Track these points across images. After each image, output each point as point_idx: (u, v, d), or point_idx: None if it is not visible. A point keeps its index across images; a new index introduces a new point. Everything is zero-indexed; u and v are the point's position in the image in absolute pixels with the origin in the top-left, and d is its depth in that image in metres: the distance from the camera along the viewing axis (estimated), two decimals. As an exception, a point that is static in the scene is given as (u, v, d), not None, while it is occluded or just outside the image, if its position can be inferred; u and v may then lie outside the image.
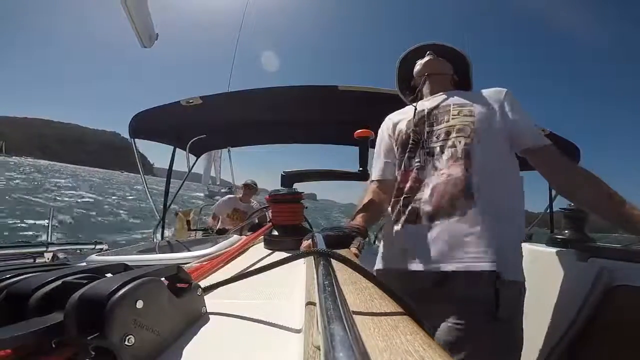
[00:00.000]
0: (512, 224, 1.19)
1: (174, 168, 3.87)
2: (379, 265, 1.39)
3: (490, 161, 1.21)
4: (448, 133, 1.27)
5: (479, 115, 1.25)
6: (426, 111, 1.37)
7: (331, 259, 0.53)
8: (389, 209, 1.39)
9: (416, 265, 1.21)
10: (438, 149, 1.27)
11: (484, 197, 1.16)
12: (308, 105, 3.06)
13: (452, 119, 1.28)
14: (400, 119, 1.49)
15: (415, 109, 1.40)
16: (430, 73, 1.47)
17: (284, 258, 0.61)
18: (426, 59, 1.49)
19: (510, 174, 1.26)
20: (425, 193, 1.25)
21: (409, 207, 1.28)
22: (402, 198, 1.31)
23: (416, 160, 1.31)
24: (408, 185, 1.30)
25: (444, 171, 1.23)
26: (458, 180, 1.19)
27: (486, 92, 1.35)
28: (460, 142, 1.23)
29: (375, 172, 1.47)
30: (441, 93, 1.42)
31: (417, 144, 1.33)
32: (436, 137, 1.29)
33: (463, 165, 1.20)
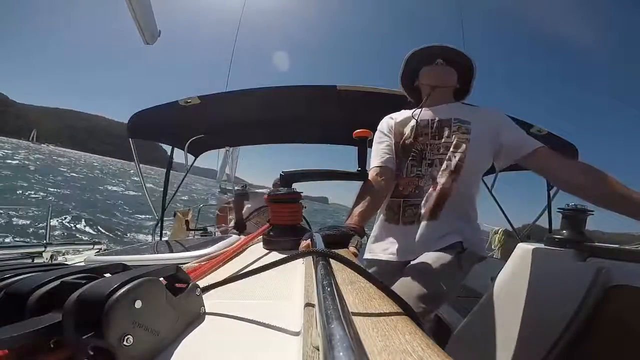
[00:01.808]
0: (475, 219, 1.50)
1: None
2: (367, 255, 1.57)
3: (473, 174, 1.44)
4: (447, 147, 1.42)
5: (474, 134, 1.42)
6: (429, 123, 1.49)
7: (330, 259, 0.53)
8: (386, 207, 1.53)
9: (400, 257, 1.43)
10: (437, 161, 1.43)
11: (459, 203, 1.41)
12: (306, 105, 3.07)
13: (453, 134, 1.43)
14: (402, 121, 1.57)
15: (418, 119, 1.50)
16: (436, 85, 1.53)
17: (283, 258, 0.61)
18: (435, 69, 1.54)
19: (478, 187, 1.52)
20: (422, 199, 1.43)
21: (408, 210, 1.46)
22: (401, 200, 1.47)
23: (418, 168, 1.46)
24: (408, 190, 1.46)
25: (438, 181, 1.41)
26: (445, 191, 1.39)
27: (483, 111, 1.52)
28: (455, 156, 1.40)
29: (375, 159, 1.54)
30: (444, 105, 1.53)
31: (420, 154, 1.47)
32: (437, 150, 1.44)
33: (452, 177, 1.39)
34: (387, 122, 1.62)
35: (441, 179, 1.40)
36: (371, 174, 1.47)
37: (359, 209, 1.32)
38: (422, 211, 1.42)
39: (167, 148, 3.71)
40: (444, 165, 1.41)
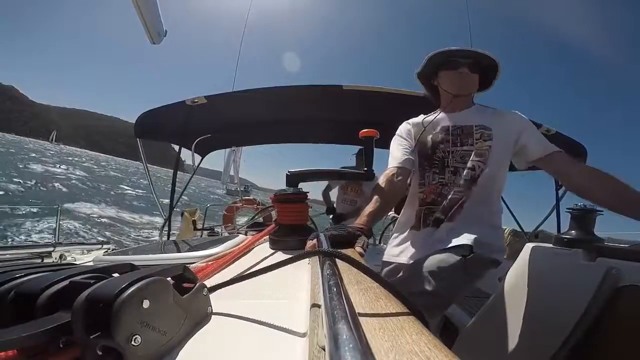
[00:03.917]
0: (496, 222, 1.49)
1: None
2: (385, 258, 1.59)
3: (494, 183, 1.45)
4: (470, 155, 1.42)
5: (497, 141, 1.42)
6: (450, 130, 1.48)
7: (336, 259, 0.53)
8: (409, 215, 1.56)
9: (413, 259, 1.43)
10: (460, 169, 1.43)
11: (478, 208, 1.42)
12: (312, 104, 3.07)
13: (475, 142, 1.42)
14: (422, 128, 1.55)
15: (438, 126, 1.50)
16: (458, 94, 1.50)
17: (289, 258, 0.61)
18: (458, 77, 1.48)
19: (501, 189, 1.52)
20: (445, 206, 1.44)
21: (431, 217, 1.46)
22: (424, 208, 1.49)
23: (441, 176, 1.46)
24: (431, 198, 1.47)
25: (460, 189, 1.42)
26: (464, 195, 1.41)
27: (505, 115, 1.49)
28: (479, 166, 1.40)
29: (393, 160, 1.53)
30: (465, 110, 1.52)
31: (441, 162, 1.47)
32: (460, 157, 1.44)
33: (473, 184, 1.41)
34: (406, 128, 1.61)
35: (464, 188, 1.42)
36: (387, 174, 1.47)
37: (369, 209, 1.33)
38: (441, 215, 1.44)
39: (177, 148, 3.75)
40: (465, 173, 1.42)
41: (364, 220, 1.27)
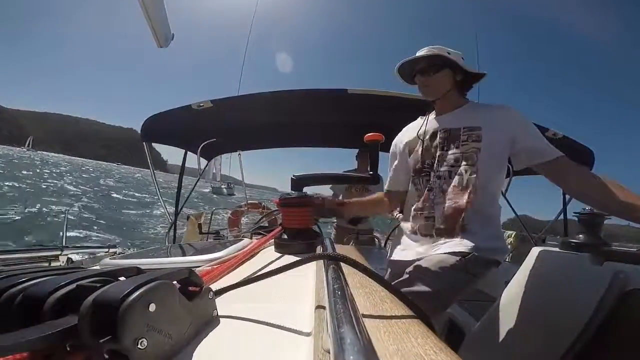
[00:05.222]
0: (491, 228, 1.42)
1: (186, 165, 3.95)
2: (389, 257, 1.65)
3: (488, 186, 1.40)
4: (457, 160, 1.40)
5: (486, 141, 1.38)
6: (437, 134, 1.48)
7: (341, 263, 0.53)
8: (403, 217, 1.62)
9: (413, 257, 1.46)
10: (447, 173, 1.42)
11: (476, 215, 1.37)
12: (317, 108, 3.07)
13: (462, 145, 1.39)
14: (413, 135, 1.59)
15: (425, 132, 1.53)
16: (432, 100, 1.53)
17: (294, 261, 0.61)
18: (419, 87, 1.52)
19: (498, 190, 1.49)
20: (435, 213, 1.44)
21: (420, 221, 1.49)
22: (417, 212, 1.50)
23: (431, 183, 1.47)
24: (423, 204, 1.48)
25: (451, 197, 1.40)
26: (460, 208, 1.38)
27: (496, 111, 1.43)
28: (467, 171, 1.37)
29: (388, 181, 1.70)
30: (453, 112, 1.50)
31: (430, 167, 1.47)
32: (446, 163, 1.42)
33: (467, 194, 1.37)
34: (399, 139, 1.67)
35: (455, 195, 1.39)
36: (385, 194, 1.68)
37: (358, 200, 1.56)
38: (440, 226, 1.41)
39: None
40: (455, 180, 1.39)
41: (342, 202, 1.48)
